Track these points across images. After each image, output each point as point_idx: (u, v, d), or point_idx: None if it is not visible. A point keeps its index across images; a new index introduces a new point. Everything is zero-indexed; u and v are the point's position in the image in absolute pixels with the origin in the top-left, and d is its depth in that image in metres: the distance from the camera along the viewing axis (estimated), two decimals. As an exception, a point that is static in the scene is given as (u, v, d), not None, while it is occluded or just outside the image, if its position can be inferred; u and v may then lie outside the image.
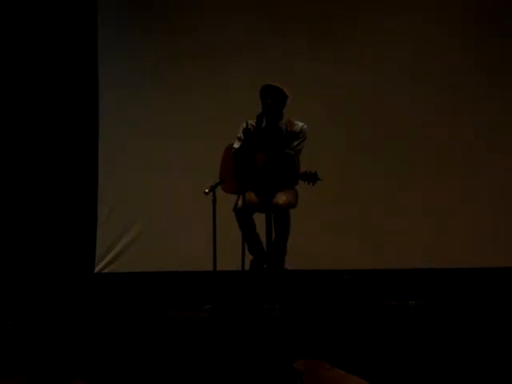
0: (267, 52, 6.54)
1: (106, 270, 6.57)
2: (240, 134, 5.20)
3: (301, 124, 5.21)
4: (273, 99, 5.08)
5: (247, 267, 5.06)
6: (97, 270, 6.57)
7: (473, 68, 6.50)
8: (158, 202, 6.55)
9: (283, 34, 6.58)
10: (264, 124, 5.17)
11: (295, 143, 5.15)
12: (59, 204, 6.62)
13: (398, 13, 6.59)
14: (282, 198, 5.04)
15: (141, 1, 6.81)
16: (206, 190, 4.96)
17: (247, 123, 5.16)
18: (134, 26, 6.74)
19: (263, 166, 5.10)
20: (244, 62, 6.55)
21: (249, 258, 5.14)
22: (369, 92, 6.51)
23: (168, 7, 6.73)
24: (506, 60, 6.47)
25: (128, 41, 6.73)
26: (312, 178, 4.89)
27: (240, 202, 4.96)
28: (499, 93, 6.48)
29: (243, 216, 5.01)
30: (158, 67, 6.69)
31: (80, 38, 6.72)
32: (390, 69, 6.52)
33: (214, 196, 4.97)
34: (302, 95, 6.30)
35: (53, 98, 6.69)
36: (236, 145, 5.21)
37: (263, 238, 5.18)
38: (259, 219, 5.17)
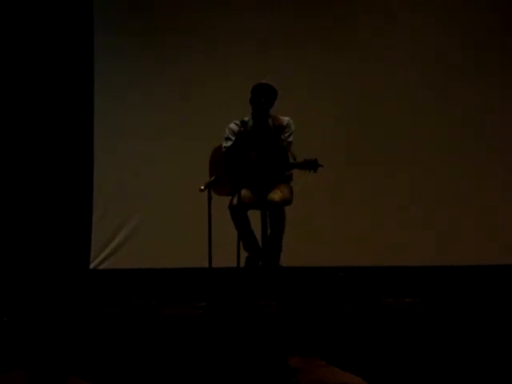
0: (266, 52, 6.56)
1: (101, 267, 6.57)
2: (227, 135, 5.20)
3: (286, 118, 5.21)
4: (267, 98, 5.10)
5: (242, 264, 5.06)
6: (92, 266, 6.57)
7: (473, 68, 6.51)
8: (153, 199, 6.54)
9: (283, 34, 6.60)
10: (251, 124, 5.16)
11: (284, 136, 5.14)
12: (54, 200, 6.61)
13: (398, 13, 6.61)
14: (277, 195, 5.04)
15: (141, 1, 6.80)
16: (202, 187, 4.93)
17: (235, 123, 5.17)
18: (130, 26, 6.74)
19: (256, 162, 5.10)
20: (246, 62, 6.54)
21: (244, 254, 5.15)
22: (369, 91, 6.52)
23: (166, 7, 6.73)
24: (506, 59, 6.48)
25: (124, 41, 6.72)
26: (312, 165, 4.84)
27: (235, 200, 4.96)
28: (500, 92, 6.48)
29: (237, 213, 5.01)
30: (155, 67, 6.69)
31: (75, 39, 6.71)
32: (390, 69, 6.53)
33: (210, 193, 4.94)
34: (301, 96, 6.36)
35: (48, 96, 6.69)
36: (226, 144, 5.21)
37: (258, 235, 5.18)
38: (254, 216, 5.16)
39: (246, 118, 5.19)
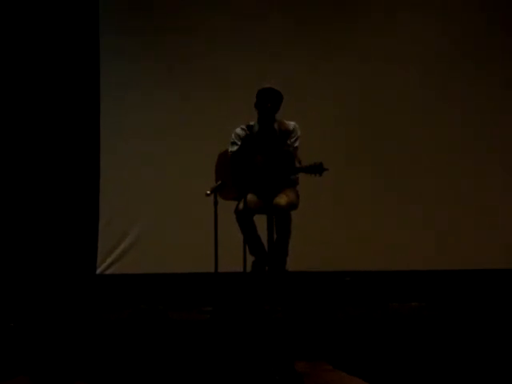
0: (266, 52, 6.55)
1: (107, 272, 6.56)
2: (233, 139, 5.19)
3: (292, 123, 5.19)
4: (273, 102, 5.09)
5: (249, 269, 5.05)
6: (99, 271, 6.57)
7: (473, 68, 6.51)
8: (159, 204, 6.53)
9: (283, 35, 6.60)
10: (257, 129, 5.16)
11: (291, 141, 5.12)
12: (61, 206, 6.61)
13: (398, 13, 6.61)
14: (283, 199, 5.00)
15: (141, 2, 6.80)
16: (208, 192, 4.92)
17: (241, 128, 5.17)
18: (130, 26, 6.74)
19: (262, 167, 5.09)
20: (246, 62, 6.55)
21: (250, 259, 5.13)
22: (369, 91, 6.53)
23: (168, 8, 6.73)
24: (506, 59, 6.48)
25: (124, 41, 6.72)
26: (318, 169, 4.79)
27: (241, 205, 4.96)
28: (500, 92, 6.48)
29: (243, 218, 4.99)
30: (155, 67, 6.69)
31: (81, 40, 6.73)
32: (390, 69, 6.52)
33: (216, 197, 4.93)
34: (301, 96, 6.35)
35: (55, 100, 6.70)
36: (232, 148, 5.19)
37: (265, 240, 5.15)
38: (261, 220, 5.15)
39: (252, 123, 5.17)
